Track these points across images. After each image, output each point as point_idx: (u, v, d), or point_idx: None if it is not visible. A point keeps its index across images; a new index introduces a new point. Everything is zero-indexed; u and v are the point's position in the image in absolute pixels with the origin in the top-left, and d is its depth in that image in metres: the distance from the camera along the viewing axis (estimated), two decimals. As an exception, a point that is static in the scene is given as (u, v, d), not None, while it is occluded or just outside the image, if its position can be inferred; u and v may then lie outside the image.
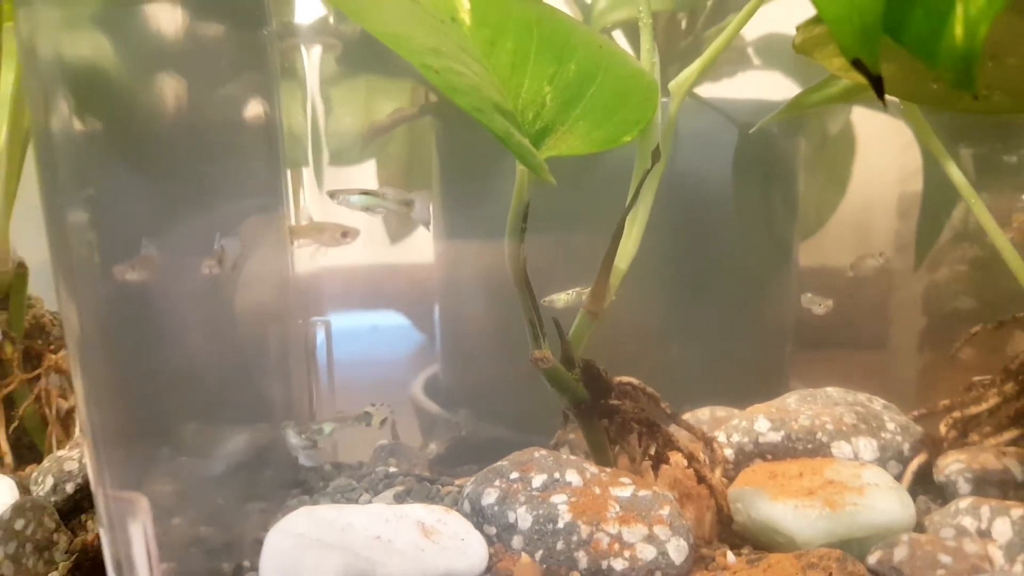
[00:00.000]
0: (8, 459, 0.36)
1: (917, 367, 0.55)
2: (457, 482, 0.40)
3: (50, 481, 0.35)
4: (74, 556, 0.33)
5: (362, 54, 0.61)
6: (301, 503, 0.38)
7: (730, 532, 0.35)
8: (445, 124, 0.58)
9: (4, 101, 0.39)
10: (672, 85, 0.37)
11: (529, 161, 0.31)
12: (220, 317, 0.37)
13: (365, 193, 0.40)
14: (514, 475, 0.35)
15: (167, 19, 0.35)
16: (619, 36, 0.55)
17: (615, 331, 0.38)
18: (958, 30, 0.21)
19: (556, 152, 0.34)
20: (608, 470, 0.35)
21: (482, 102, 0.30)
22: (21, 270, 0.39)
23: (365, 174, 0.64)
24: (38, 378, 0.38)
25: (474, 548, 0.32)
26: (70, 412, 0.39)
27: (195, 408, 0.33)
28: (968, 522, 0.32)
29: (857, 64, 0.21)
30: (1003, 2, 0.21)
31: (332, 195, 0.40)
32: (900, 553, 0.31)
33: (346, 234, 0.35)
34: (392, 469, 0.40)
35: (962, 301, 0.56)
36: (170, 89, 0.35)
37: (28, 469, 0.37)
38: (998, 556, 0.30)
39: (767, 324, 0.51)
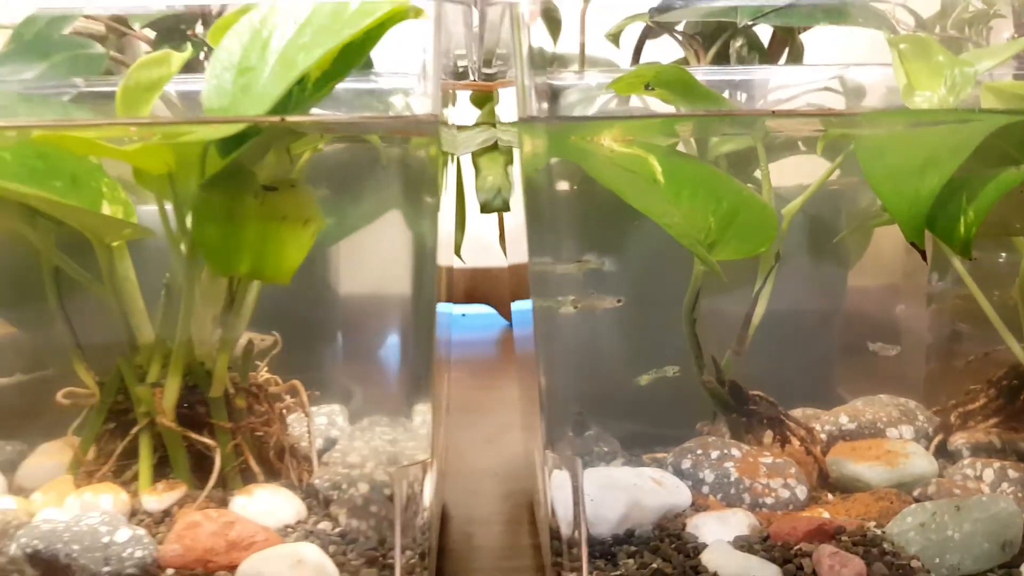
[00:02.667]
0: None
1: (930, 373, 0.77)
2: (645, 457, 0.63)
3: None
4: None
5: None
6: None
7: (828, 484, 0.58)
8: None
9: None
10: (784, 211, 0.60)
11: (713, 269, 0.55)
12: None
13: (580, 261, 0.63)
14: (699, 451, 0.58)
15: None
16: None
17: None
18: (962, 229, 0.44)
19: (720, 259, 0.57)
20: (754, 448, 0.58)
21: (691, 239, 0.53)
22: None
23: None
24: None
25: (684, 491, 0.55)
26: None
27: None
28: (968, 472, 0.55)
29: (913, 245, 0.45)
30: (982, 220, 0.44)
31: (579, 263, 0.62)
32: (931, 489, 0.54)
33: (620, 301, 0.57)
34: (606, 449, 0.63)
35: (959, 326, 0.79)
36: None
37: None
38: (986, 489, 0.54)
39: (829, 342, 0.74)
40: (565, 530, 0.47)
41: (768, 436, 0.60)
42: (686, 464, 0.57)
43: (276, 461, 0.58)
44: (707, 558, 0.48)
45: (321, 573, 0.47)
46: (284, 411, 0.61)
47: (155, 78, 0.60)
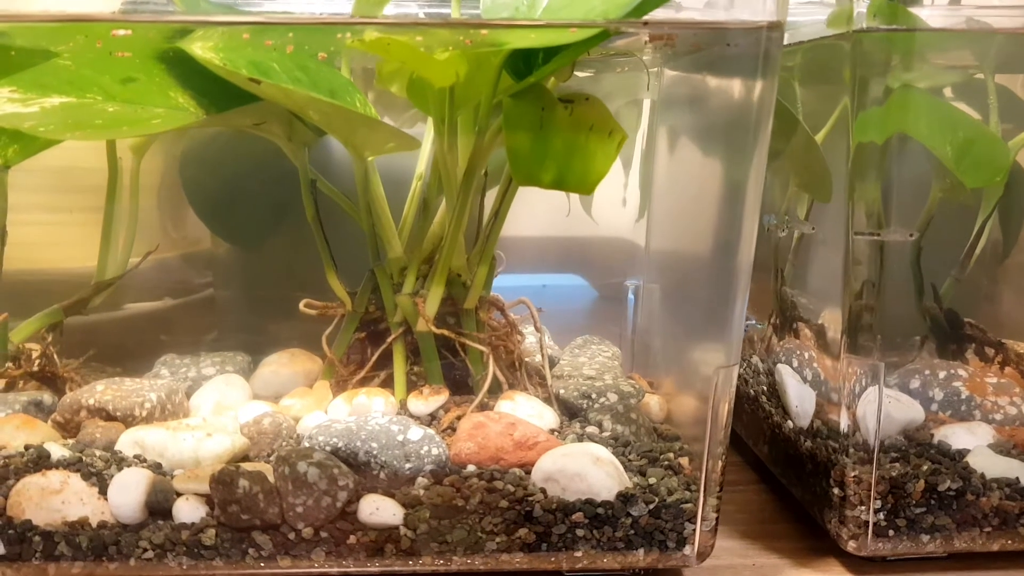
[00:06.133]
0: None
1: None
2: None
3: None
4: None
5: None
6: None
7: (1044, 404, 0.61)
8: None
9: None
10: (1012, 143, 0.62)
11: (960, 181, 0.57)
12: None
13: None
14: (926, 372, 0.60)
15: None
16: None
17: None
18: None
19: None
20: (977, 368, 0.61)
21: (941, 151, 0.56)
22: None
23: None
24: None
25: (918, 407, 0.58)
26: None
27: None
28: None
29: None
30: None
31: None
32: None
33: (912, 235, 0.58)
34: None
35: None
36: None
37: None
38: None
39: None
40: (865, 436, 0.50)
41: (975, 362, 0.62)
42: (914, 384, 0.60)
43: (508, 373, 0.61)
44: (973, 461, 0.52)
45: (617, 470, 0.50)
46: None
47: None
